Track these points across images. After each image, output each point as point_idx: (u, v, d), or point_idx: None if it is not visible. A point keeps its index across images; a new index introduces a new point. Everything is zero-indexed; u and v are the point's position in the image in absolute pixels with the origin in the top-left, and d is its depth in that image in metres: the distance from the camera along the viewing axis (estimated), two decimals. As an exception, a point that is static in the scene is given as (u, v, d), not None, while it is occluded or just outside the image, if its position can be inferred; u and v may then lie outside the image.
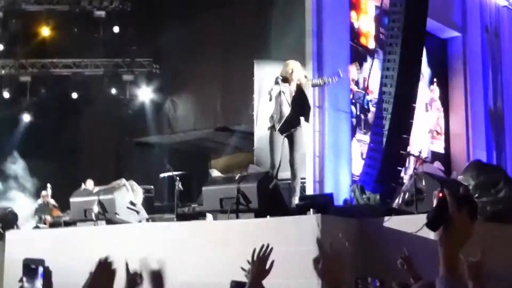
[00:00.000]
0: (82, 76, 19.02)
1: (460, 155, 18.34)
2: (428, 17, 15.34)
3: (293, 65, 11.13)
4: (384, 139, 14.41)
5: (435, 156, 18.13)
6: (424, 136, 18.09)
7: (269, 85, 11.00)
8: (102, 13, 18.79)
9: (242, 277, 5.90)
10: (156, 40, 18.25)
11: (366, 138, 15.54)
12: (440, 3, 17.63)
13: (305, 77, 11.28)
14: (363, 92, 16.06)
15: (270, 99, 10.80)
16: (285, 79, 10.92)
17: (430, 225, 2.25)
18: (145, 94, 18.36)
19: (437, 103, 18.88)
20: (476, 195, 10.33)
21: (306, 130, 13.97)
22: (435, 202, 2.29)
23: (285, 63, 11.25)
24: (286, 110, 10.80)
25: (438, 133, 18.74)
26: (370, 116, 16.01)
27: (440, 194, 2.28)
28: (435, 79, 18.83)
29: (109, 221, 11.03)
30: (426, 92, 18.40)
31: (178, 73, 17.72)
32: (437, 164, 17.51)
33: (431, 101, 18.69)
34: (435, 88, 18.92)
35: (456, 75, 19.28)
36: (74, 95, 19.23)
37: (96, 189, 12.30)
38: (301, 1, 14.84)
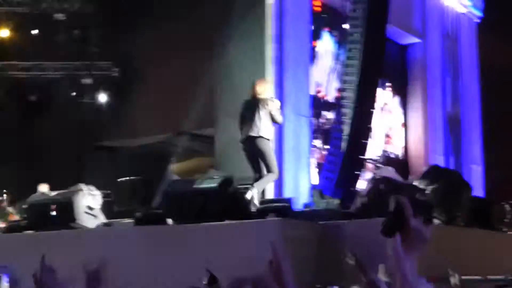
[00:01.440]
0: (41, 79, 18.83)
1: (418, 160, 18.51)
2: (388, 23, 15.47)
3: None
4: (343, 144, 14.49)
5: (389, 160, 18.22)
6: (380, 140, 18.20)
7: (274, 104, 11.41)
8: (62, 16, 18.62)
9: (202, 283, 5.88)
10: (116, 43, 18.13)
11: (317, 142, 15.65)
12: (400, 9, 17.78)
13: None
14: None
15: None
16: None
17: (386, 231, 2.24)
18: (104, 97, 18.24)
19: (388, 106, 18.94)
20: (435, 200, 10.44)
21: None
22: (391, 208, 2.28)
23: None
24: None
25: (387, 136, 18.78)
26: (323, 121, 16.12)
27: (396, 201, 2.28)
28: (387, 83, 18.87)
29: (67, 226, 10.92)
30: (380, 96, 18.47)
31: (138, 76, 17.61)
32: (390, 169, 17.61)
33: (384, 105, 18.77)
34: (387, 92, 18.97)
35: (415, 81, 19.46)
36: (33, 98, 19.00)
37: (54, 193, 12.16)
38: (262, 6, 14.85)
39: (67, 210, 11.01)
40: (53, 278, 3.08)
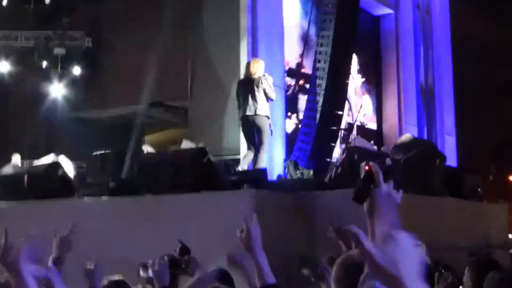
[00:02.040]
0: (12, 48, 18.57)
1: (392, 130, 18.59)
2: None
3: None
4: (318, 115, 14.49)
5: (367, 132, 18.27)
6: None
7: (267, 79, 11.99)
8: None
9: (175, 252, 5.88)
10: (89, 13, 17.93)
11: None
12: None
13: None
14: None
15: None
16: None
17: (357, 197, 2.25)
18: (77, 68, 18.05)
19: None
20: (409, 169, 10.50)
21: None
22: (361, 175, 2.29)
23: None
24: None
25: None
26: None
27: (366, 167, 2.29)
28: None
29: (39, 196, 10.86)
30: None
31: (111, 47, 17.46)
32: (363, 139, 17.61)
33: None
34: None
35: (388, 52, 19.49)
36: (4, 68, 18.75)
37: (25, 164, 12.08)
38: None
39: (39, 181, 10.94)
40: (14, 254, 3.05)
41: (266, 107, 11.88)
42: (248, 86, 11.94)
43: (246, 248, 3.64)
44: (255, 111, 11.73)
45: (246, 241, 3.63)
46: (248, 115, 11.81)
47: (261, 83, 11.80)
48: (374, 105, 19.19)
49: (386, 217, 2.22)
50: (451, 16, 21.71)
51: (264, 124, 11.82)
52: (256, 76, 11.95)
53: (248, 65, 12.40)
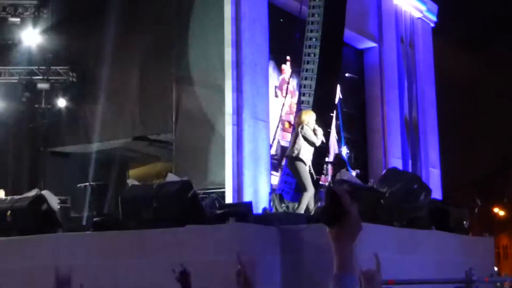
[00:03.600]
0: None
1: (377, 164, 18.62)
2: (345, 28, 15.53)
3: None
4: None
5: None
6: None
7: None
8: (17, 20, 18.33)
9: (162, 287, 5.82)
10: (73, 48, 17.91)
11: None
12: (357, 14, 17.90)
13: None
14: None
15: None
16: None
17: (328, 220, 2.28)
18: (61, 102, 18.00)
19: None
20: (395, 201, 10.49)
21: (226, 139, 14.04)
22: (325, 201, 2.33)
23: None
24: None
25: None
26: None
27: (328, 191, 2.33)
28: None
29: (22, 232, 10.74)
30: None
31: (95, 81, 17.40)
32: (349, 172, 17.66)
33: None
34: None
35: (372, 85, 19.59)
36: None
37: (9, 198, 11.97)
38: (220, 11, 14.81)
39: (23, 217, 10.83)
40: None
41: (305, 151, 12.51)
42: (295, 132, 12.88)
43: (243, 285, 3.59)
44: (294, 153, 12.55)
45: (244, 283, 3.59)
46: (287, 155, 13.00)
47: (302, 129, 12.52)
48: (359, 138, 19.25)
49: (353, 239, 2.25)
50: (434, 51, 21.92)
51: (301, 166, 12.39)
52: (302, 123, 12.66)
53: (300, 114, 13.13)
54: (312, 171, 12.45)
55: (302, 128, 12.49)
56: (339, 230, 2.24)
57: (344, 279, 2.19)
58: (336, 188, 2.35)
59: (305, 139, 12.45)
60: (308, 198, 12.14)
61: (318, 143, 12.60)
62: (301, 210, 11.83)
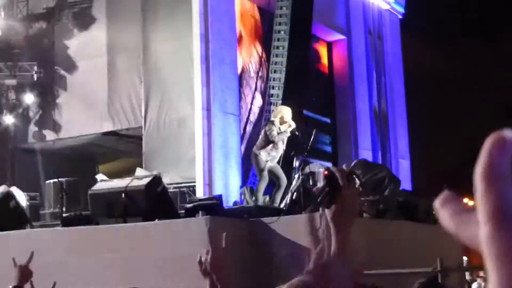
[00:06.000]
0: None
1: (346, 155, 18.68)
2: (313, 20, 15.58)
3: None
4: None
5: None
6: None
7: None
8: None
9: (132, 283, 5.80)
10: (40, 43, 17.77)
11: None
12: (324, 7, 17.92)
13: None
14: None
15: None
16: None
17: (324, 202, 2.22)
18: (29, 98, 17.85)
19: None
20: (364, 193, 10.53)
21: (196, 133, 14.02)
22: (321, 182, 2.28)
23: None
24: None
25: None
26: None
27: (326, 172, 2.27)
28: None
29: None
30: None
31: (63, 77, 17.30)
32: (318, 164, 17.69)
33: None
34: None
35: (341, 78, 19.65)
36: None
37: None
38: (188, 4, 14.77)
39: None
40: None
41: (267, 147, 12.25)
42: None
43: (212, 269, 3.56)
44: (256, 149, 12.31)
45: (211, 261, 3.56)
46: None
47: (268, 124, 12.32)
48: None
49: (348, 224, 2.21)
50: (402, 43, 22.03)
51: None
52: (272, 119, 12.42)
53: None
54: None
55: (266, 124, 12.38)
56: (336, 212, 2.20)
57: (335, 267, 2.14)
58: (332, 167, 2.29)
59: (266, 134, 12.26)
60: (279, 191, 12.14)
61: (276, 140, 12.17)
62: (275, 203, 11.81)
